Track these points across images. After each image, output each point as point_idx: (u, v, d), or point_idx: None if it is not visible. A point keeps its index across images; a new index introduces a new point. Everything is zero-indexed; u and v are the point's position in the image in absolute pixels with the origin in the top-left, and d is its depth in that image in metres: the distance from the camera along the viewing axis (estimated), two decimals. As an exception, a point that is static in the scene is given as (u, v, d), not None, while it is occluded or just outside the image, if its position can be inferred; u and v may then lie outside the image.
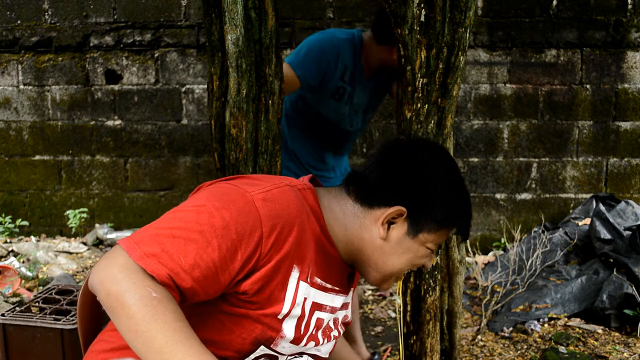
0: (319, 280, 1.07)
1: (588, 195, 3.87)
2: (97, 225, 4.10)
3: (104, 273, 0.88)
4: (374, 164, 1.11)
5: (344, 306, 1.18)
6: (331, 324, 1.16)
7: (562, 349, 2.44)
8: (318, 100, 2.12)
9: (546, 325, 2.76)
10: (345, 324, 1.24)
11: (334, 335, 1.18)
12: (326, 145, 2.26)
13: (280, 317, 1.01)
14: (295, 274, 1.01)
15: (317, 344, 1.12)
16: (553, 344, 2.56)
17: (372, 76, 2.13)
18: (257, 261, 0.95)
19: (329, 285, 1.09)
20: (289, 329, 1.03)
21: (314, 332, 1.10)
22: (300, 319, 1.05)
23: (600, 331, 2.67)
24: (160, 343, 0.83)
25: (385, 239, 1.07)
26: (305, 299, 1.04)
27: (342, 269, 1.13)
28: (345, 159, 2.42)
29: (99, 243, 4.02)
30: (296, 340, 1.06)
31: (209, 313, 1.00)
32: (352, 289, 1.22)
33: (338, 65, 2.02)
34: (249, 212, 0.96)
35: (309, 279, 1.04)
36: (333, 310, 1.13)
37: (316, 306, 1.08)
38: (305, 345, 1.09)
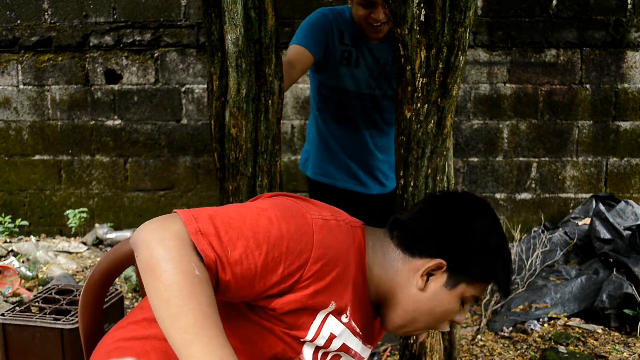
0: (353, 324, 1.07)
1: (588, 195, 3.87)
2: (97, 225, 4.10)
3: (154, 235, 0.87)
4: (418, 213, 1.11)
5: None
6: None
7: (562, 349, 2.44)
8: (331, 75, 2.10)
9: (546, 325, 2.76)
10: None
11: None
12: (362, 123, 2.18)
13: (302, 340, 1.01)
14: (329, 309, 1.01)
15: None
16: (553, 344, 2.56)
17: (385, 44, 2.10)
18: (295, 283, 0.95)
19: (358, 329, 1.09)
20: (308, 354, 1.03)
21: None
22: (322, 348, 1.05)
23: (600, 331, 2.67)
24: (189, 322, 0.82)
25: (422, 290, 1.07)
26: (332, 335, 1.03)
27: (369, 312, 1.12)
28: (392, 149, 2.22)
29: (99, 243, 4.02)
30: None
31: (235, 319, 1.00)
32: (373, 345, 1.20)
33: (334, 31, 2.04)
34: (305, 232, 0.96)
35: (344, 318, 1.04)
36: (355, 355, 1.13)
37: (345, 348, 1.08)
38: None
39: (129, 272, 3.23)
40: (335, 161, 2.21)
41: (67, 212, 4.04)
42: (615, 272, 2.80)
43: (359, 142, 2.20)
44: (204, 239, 0.88)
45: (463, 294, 1.08)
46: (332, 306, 1.00)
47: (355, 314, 1.07)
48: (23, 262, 3.44)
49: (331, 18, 2.06)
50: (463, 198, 1.15)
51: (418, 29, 1.57)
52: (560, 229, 3.47)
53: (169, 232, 0.88)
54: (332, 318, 1.02)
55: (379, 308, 1.13)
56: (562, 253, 3.24)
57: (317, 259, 0.95)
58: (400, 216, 1.15)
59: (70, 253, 3.82)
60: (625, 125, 3.85)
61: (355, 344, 1.10)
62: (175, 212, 0.93)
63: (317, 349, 1.04)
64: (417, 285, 1.07)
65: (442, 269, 1.06)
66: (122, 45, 3.99)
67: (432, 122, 1.66)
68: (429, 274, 1.07)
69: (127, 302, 2.98)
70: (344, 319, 1.04)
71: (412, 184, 1.69)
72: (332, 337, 1.03)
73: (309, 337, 1.00)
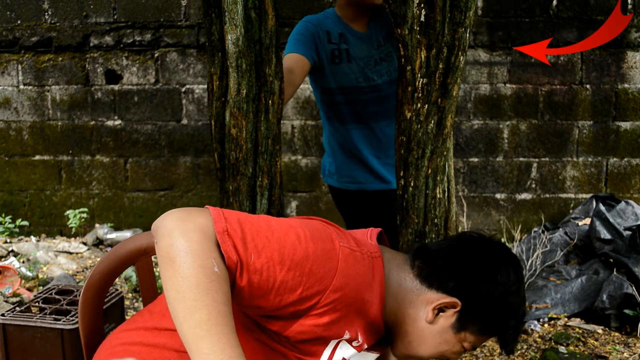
0: (365, 345, 1.06)
1: (588, 195, 3.87)
2: (97, 225, 4.10)
3: (178, 224, 0.86)
4: (447, 248, 1.10)
5: None
6: None
7: (562, 349, 2.44)
8: (328, 76, 2.12)
9: (546, 325, 2.77)
10: None
11: None
12: (370, 117, 2.17)
13: None
14: (343, 338, 1.00)
15: None
16: (553, 344, 2.56)
17: (370, 27, 2.14)
18: (311, 308, 0.93)
19: (366, 346, 1.09)
20: None
21: None
22: None
23: (600, 331, 2.67)
24: (202, 318, 0.81)
25: (430, 323, 1.06)
26: (344, 359, 1.03)
27: (379, 334, 1.12)
28: None
29: (99, 243, 4.02)
30: None
31: (247, 337, 0.99)
32: (383, 349, 1.20)
33: (320, 33, 2.09)
34: (331, 258, 0.95)
35: (355, 343, 1.03)
36: None
37: None
38: None
39: (129, 272, 3.23)
40: (359, 165, 2.21)
41: (67, 212, 4.04)
42: (615, 272, 2.80)
43: (374, 137, 2.19)
44: (229, 239, 0.87)
45: (465, 339, 1.07)
46: (346, 335, 1.00)
47: (366, 338, 1.06)
48: (23, 262, 3.44)
49: (314, 22, 2.12)
50: (497, 247, 1.12)
51: (418, 29, 1.57)
52: (560, 229, 3.47)
53: (195, 224, 0.86)
54: (344, 344, 1.02)
55: (390, 332, 1.13)
56: (562, 253, 3.24)
57: (337, 288, 0.94)
58: (429, 245, 1.14)
59: (70, 253, 3.82)
60: (625, 125, 3.85)
61: (362, 357, 1.10)
62: (207, 208, 0.91)
63: None
64: (426, 318, 1.06)
65: (455, 308, 1.05)
66: (122, 45, 3.99)
67: (432, 122, 1.66)
68: (440, 309, 1.06)
69: (127, 302, 2.98)
70: (355, 344, 1.04)
71: (412, 184, 1.69)
72: None
73: None
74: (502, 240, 3.87)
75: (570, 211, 3.88)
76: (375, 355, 1.15)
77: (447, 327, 1.06)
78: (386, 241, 1.20)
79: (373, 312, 1.03)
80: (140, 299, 3.05)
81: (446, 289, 1.05)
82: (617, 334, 2.65)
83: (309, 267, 0.92)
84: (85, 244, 4.00)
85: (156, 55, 3.98)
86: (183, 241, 0.84)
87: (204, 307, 0.82)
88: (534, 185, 3.94)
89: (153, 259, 1.20)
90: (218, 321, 0.82)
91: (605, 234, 3.08)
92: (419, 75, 1.61)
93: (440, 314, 1.06)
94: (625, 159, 3.89)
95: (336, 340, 1.00)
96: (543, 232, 3.41)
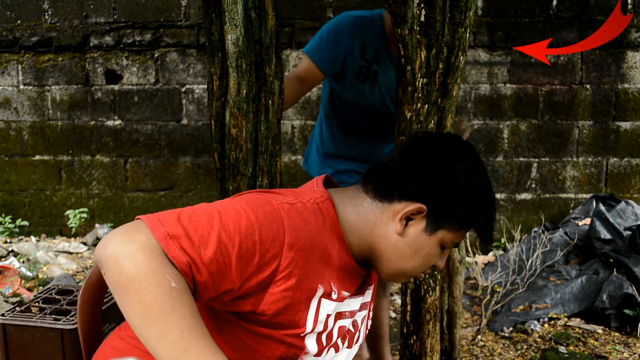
0: (344, 293, 1.05)
1: (588, 195, 3.87)
2: (97, 225, 4.10)
3: (121, 248, 0.82)
4: (398, 156, 1.07)
5: (363, 306, 1.15)
6: (351, 328, 1.13)
7: (562, 349, 2.44)
8: (346, 87, 2.04)
9: (546, 325, 2.76)
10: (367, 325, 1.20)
11: (355, 339, 1.15)
12: (373, 135, 2.13)
13: (303, 335, 0.99)
14: (318, 293, 0.98)
15: (336, 351, 1.10)
16: (553, 344, 2.56)
17: None
18: (274, 274, 0.92)
19: (346, 294, 1.07)
20: (312, 344, 1.01)
21: (336, 342, 1.08)
22: (322, 332, 1.03)
23: (600, 331, 2.67)
24: (175, 338, 0.80)
25: (401, 235, 1.04)
26: (328, 315, 1.01)
27: (358, 274, 1.10)
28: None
29: (98, 243, 4.01)
30: (319, 353, 1.04)
31: (231, 333, 0.98)
32: (369, 288, 1.18)
33: (354, 45, 1.95)
34: (275, 218, 0.93)
35: (334, 295, 1.02)
36: (352, 314, 1.11)
37: (338, 316, 1.06)
38: (327, 354, 1.07)
39: (129, 272, 3.22)
40: (340, 165, 2.20)
41: (67, 212, 4.04)
42: (615, 272, 2.80)
43: (367, 147, 2.16)
44: (173, 243, 0.84)
45: (442, 239, 1.05)
46: (320, 290, 0.98)
47: (342, 285, 1.04)
48: (23, 262, 3.44)
49: (355, 29, 1.95)
50: (446, 140, 1.08)
51: (418, 29, 1.57)
52: (560, 229, 3.47)
53: (136, 243, 0.82)
54: (324, 301, 1.00)
55: (370, 262, 1.10)
56: (562, 253, 3.24)
57: (291, 245, 0.93)
58: (379, 160, 1.10)
59: (70, 253, 3.82)
60: (625, 125, 3.85)
61: (347, 305, 1.08)
62: (138, 219, 0.89)
63: (319, 335, 1.03)
64: (396, 231, 1.03)
65: (421, 213, 1.02)
66: (122, 45, 3.99)
67: (432, 122, 1.66)
68: (408, 218, 1.03)
69: (127, 302, 2.98)
70: (334, 296, 1.02)
71: (412, 184, 1.69)
72: (328, 317, 1.02)
73: (308, 328, 0.99)
74: (502, 240, 3.88)
75: (570, 211, 3.88)
76: (360, 298, 1.12)
77: (419, 232, 1.03)
78: (336, 184, 1.18)
79: (337, 256, 1.02)
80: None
81: (407, 196, 1.02)
82: (617, 334, 2.65)
83: (257, 233, 0.90)
84: (85, 244, 4.00)
85: (156, 55, 3.98)
86: (131, 266, 0.80)
87: (173, 327, 0.80)
88: (534, 185, 3.94)
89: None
90: (192, 336, 0.81)
91: (605, 234, 3.08)
92: (419, 75, 1.61)
93: (409, 222, 1.03)
94: (625, 159, 3.89)
95: (315, 302, 0.98)
96: (543, 232, 3.41)
